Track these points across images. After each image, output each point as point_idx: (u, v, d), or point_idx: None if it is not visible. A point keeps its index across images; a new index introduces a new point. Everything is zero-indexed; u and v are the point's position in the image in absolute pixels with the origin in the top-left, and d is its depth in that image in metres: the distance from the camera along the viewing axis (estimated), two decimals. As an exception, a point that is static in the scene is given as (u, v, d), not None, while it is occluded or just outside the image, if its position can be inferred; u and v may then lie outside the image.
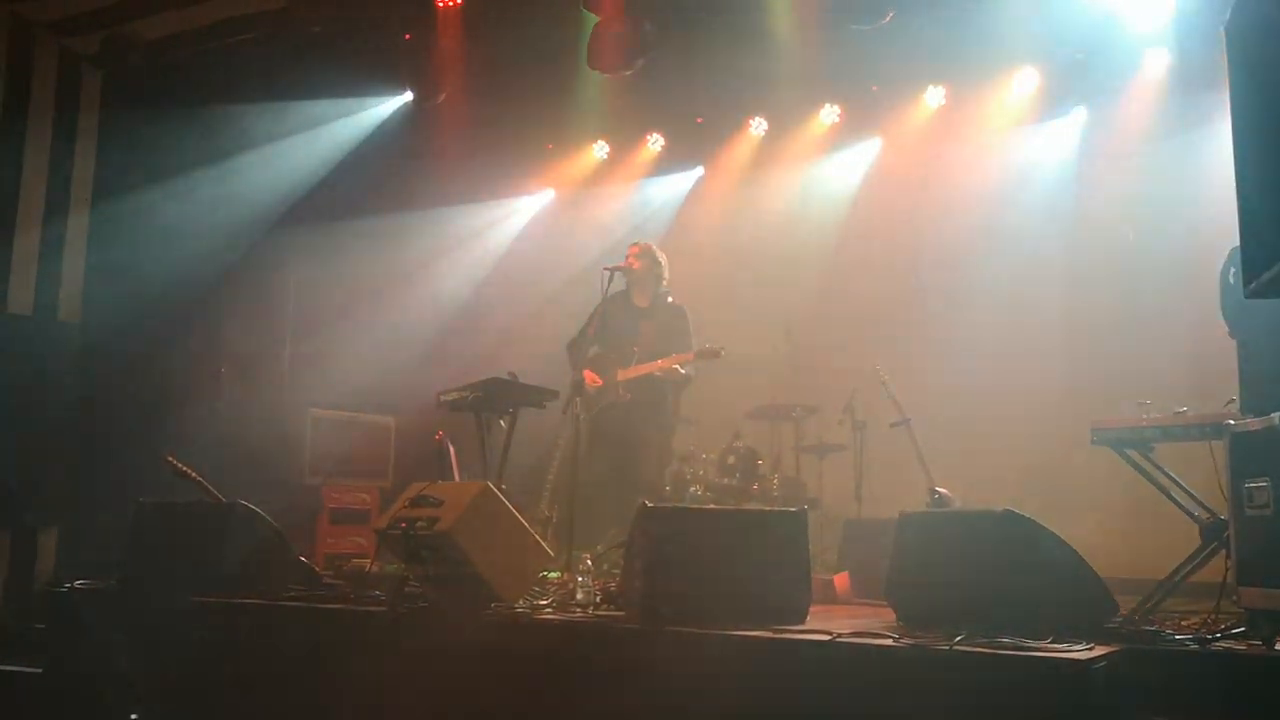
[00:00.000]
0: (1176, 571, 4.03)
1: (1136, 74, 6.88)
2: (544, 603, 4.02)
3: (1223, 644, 3.20)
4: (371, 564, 4.96)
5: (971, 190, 7.51)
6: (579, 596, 3.99)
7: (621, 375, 5.92)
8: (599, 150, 8.65)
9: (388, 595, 4.19)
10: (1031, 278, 7.07)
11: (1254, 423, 3.36)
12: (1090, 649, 2.92)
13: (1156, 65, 6.80)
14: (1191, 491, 4.12)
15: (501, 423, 5.30)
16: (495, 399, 5.23)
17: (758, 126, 8.12)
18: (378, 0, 6.76)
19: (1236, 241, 2.90)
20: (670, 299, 6.14)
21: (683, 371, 5.87)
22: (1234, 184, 2.84)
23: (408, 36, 6.96)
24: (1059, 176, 7.32)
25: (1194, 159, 6.37)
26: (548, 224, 9.05)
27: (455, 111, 7.37)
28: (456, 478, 5.01)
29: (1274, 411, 3.28)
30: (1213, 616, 3.56)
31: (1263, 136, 2.69)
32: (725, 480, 6.55)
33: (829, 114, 7.91)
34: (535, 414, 5.60)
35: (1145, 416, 4.17)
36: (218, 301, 7.26)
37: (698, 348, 5.84)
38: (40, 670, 4.67)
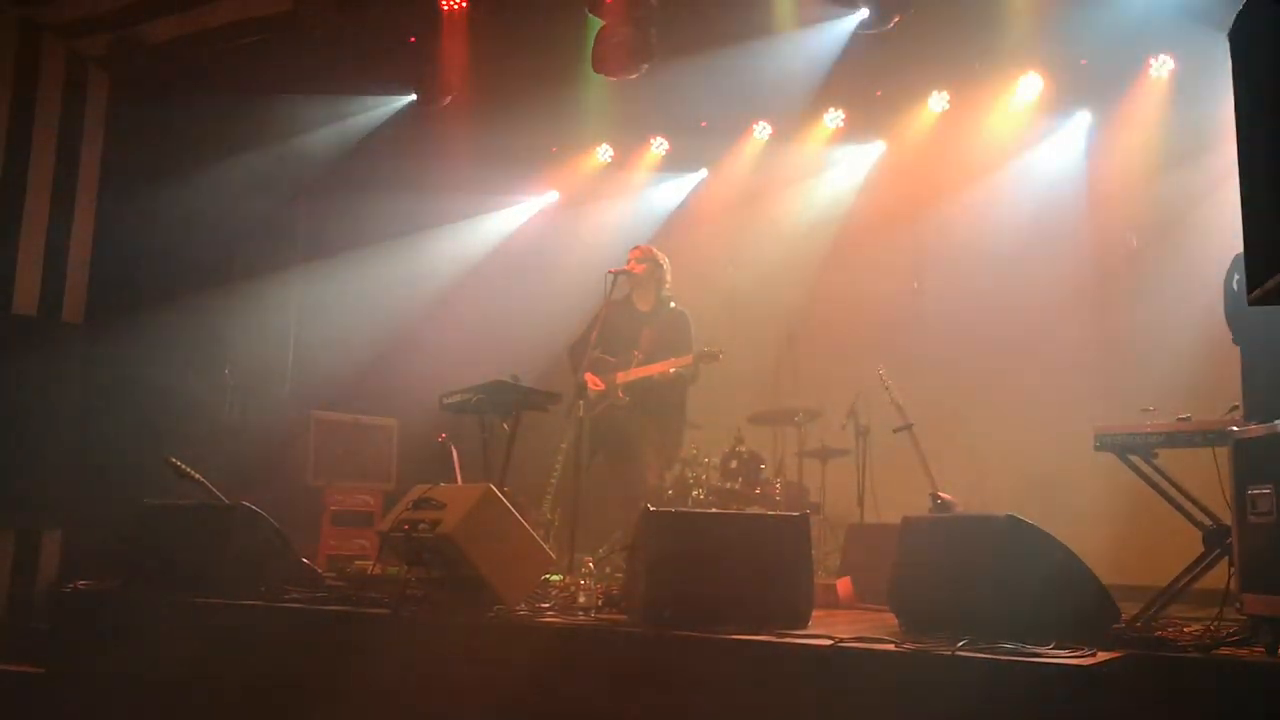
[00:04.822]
0: (1179, 578, 4.03)
1: (1140, 80, 6.89)
2: (546, 606, 4.03)
3: (1225, 651, 3.19)
4: (373, 566, 4.96)
5: (974, 194, 7.51)
6: (581, 600, 3.99)
7: (621, 378, 5.93)
8: (603, 153, 8.66)
9: (390, 598, 4.20)
10: (1035, 282, 7.07)
11: (1257, 429, 3.36)
12: (1092, 655, 2.92)
13: (1160, 71, 6.81)
14: (1194, 498, 4.12)
15: (504, 425, 5.31)
16: (498, 401, 5.24)
17: (761, 130, 8.12)
18: (383, 3, 6.77)
19: (1240, 248, 2.91)
20: (673, 304, 6.13)
21: (673, 373, 5.86)
22: (1237, 190, 2.85)
23: (413, 40, 6.97)
24: (1062, 181, 7.32)
25: (1198, 165, 6.38)
26: (551, 227, 9.06)
27: (460, 114, 7.37)
28: (459, 480, 5.01)
29: (1277, 418, 3.28)
30: (1215, 623, 3.55)
31: (1266, 143, 2.69)
32: (728, 484, 6.55)
33: (833, 118, 7.92)
34: (538, 417, 5.60)
35: (1148, 422, 4.17)
36: (222, 303, 7.27)
37: (696, 351, 5.85)
38: (42, 670, 4.68)
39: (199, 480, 4.98)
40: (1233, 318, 4.33)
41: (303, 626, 4.08)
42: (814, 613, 3.73)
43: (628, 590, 3.97)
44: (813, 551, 3.95)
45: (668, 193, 8.81)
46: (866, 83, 7.42)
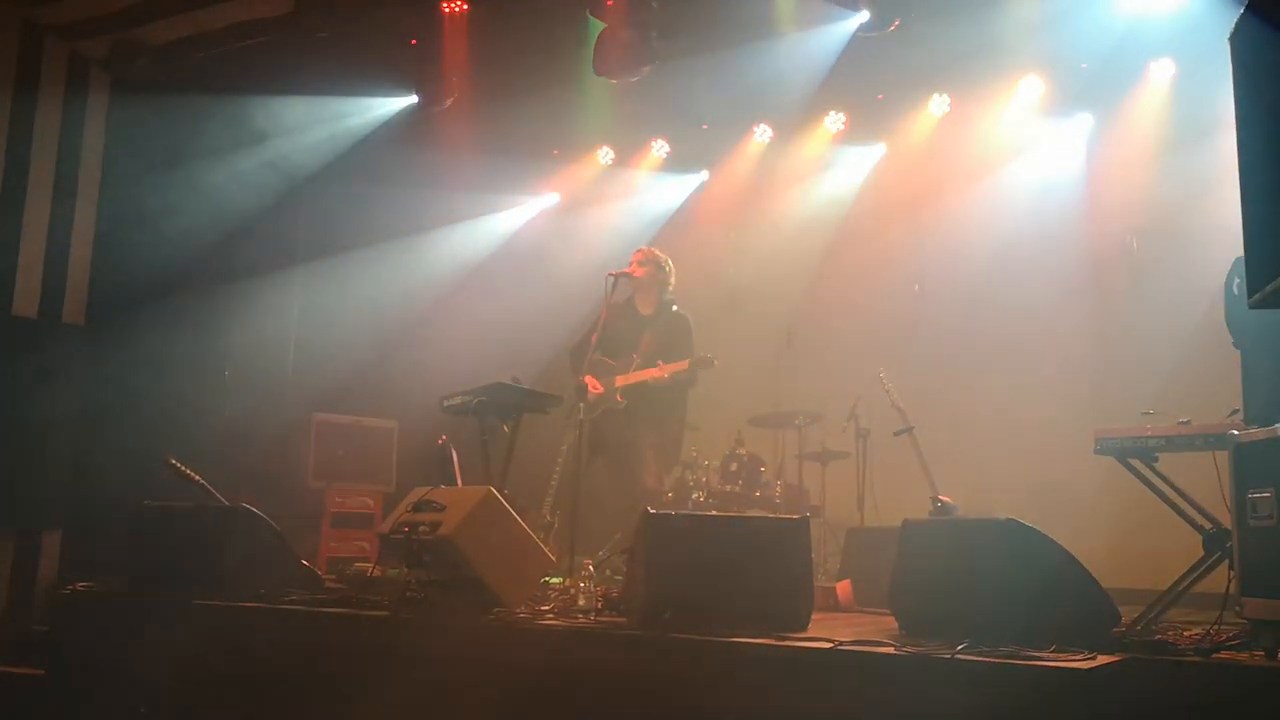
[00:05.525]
0: (1179, 582, 4.03)
1: (1141, 83, 6.89)
2: (546, 608, 4.02)
3: (1225, 655, 3.19)
4: (374, 568, 4.97)
5: (975, 197, 7.51)
6: (581, 602, 3.99)
7: (620, 381, 5.93)
8: (604, 156, 8.67)
9: (390, 600, 4.19)
10: (1035, 286, 7.08)
11: (1257, 433, 3.36)
12: (1092, 659, 2.92)
13: (1161, 75, 6.82)
14: (1194, 502, 4.11)
15: (504, 428, 5.31)
16: (498, 404, 5.24)
17: (762, 133, 8.13)
18: (385, 5, 6.77)
19: (1241, 252, 2.91)
20: (675, 307, 6.11)
21: (670, 378, 5.85)
22: (1238, 194, 2.85)
23: (414, 42, 6.98)
24: (1063, 184, 7.33)
25: (1198, 168, 6.38)
26: (552, 229, 9.06)
27: (461, 117, 7.38)
28: (459, 482, 5.01)
29: (1277, 422, 3.28)
30: (1215, 627, 3.55)
31: (1267, 147, 2.69)
32: (728, 487, 6.56)
33: (834, 121, 7.92)
34: (538, 419, 5.60)
35: (1149, 426, 4.16)
36: (222, 303, 7.28)
37: (694, 357, 5.84)
38: (42, 673, 4.67)
39: (199, 482, 4.98)
40: (1233, 321, 4.34)
41: (303, 628, 4.07)
42: (814, 615, 3.72)
43: (627, 593, 3.97)
44: (813, 554, 3.94)
45: (668, 194, 8.82)
46: (867, 85, 7.42)
